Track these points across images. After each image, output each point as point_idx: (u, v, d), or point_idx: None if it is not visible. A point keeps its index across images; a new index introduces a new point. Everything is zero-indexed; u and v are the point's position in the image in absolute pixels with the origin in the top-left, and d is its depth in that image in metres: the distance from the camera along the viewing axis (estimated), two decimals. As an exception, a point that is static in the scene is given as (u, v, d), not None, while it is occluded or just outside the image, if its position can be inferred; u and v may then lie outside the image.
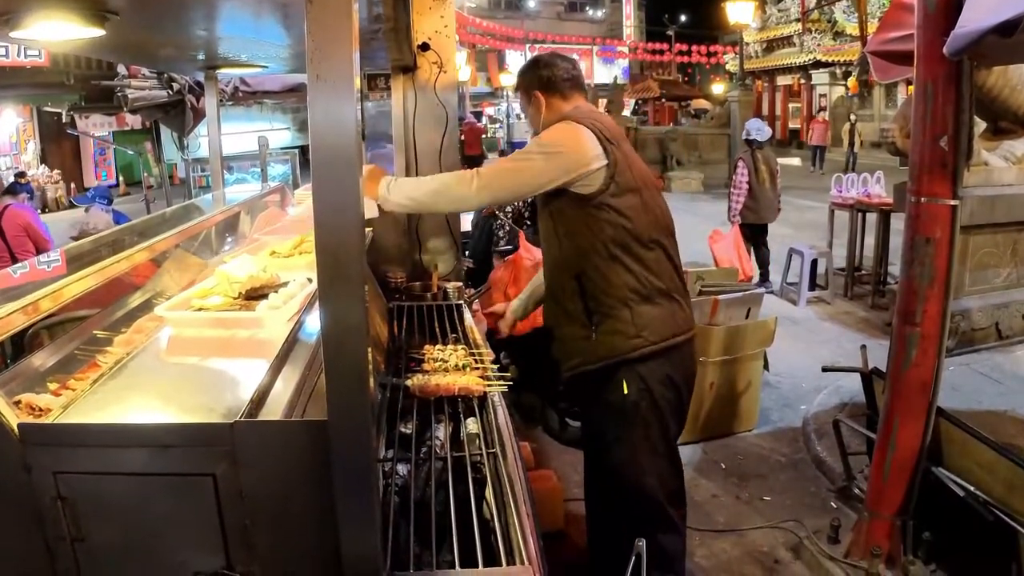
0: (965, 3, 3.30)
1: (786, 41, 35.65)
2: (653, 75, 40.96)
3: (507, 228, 6.48)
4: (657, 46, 40.28)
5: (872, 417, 4.30)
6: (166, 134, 13.22)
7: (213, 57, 3.68)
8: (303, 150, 12.00)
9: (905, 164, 3.97)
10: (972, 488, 3.36)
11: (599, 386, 3.00)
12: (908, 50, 3.81)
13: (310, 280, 2.46)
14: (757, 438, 5.68)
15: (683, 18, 50.68)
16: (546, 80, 3.09)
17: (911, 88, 4.15)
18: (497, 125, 38.04)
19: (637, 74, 45.74)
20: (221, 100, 9.20)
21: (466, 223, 7.06)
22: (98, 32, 2.08)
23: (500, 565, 1.59)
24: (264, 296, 2.25)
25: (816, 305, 9.19)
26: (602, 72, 45.16)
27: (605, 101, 25.75)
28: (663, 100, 39.07)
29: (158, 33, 2.83)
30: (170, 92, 8.55)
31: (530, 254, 5.83)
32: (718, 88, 40.23)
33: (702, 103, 39.23)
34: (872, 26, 14.22)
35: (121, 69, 9.03)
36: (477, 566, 1.56)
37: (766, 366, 5.82)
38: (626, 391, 2.92)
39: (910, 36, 3.78)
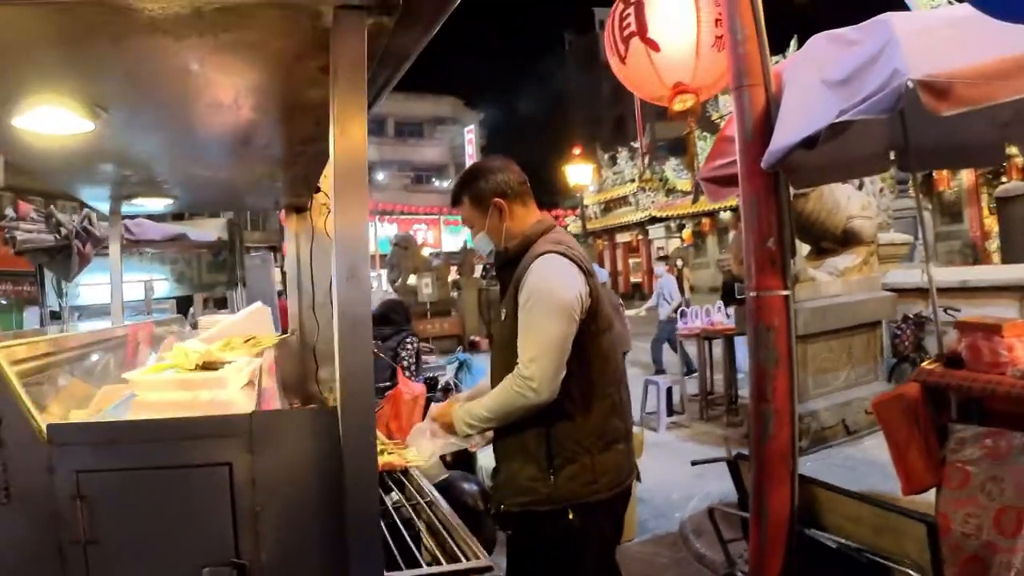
0: (775, 127, 3.94)
1: (623, 201, 37.96)
2: (498, 240, 42.40)
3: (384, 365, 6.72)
4: (502, 212, 42.04)
5: (743, 499, 4.64)
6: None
7: (128, 184, 3.54)
8: (179, 301, 11.95)
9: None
10: (843, 540, 3.71)
11: (542, 522, 2.83)
12: (733, 174, 4.41)
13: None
14: (639, 546, 5.98)
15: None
16: (504, 186, 2.95)
17: (734, 225, 4.79)
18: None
19: (482, 240, 47.18)
20: (106, 247, 9.18)
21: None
22: (88, 126, 2.21)
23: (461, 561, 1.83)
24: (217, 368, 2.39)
25: (675, 429, 9.72)
26: (449, 240, 46.54)
27: (456, 266, 26.65)
28: (510, 265, 40.31)
29: (135, 137, 2.69)
30: (57, 236, 8.43)
31: (408, 388, 6.07)
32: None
33: (546, 265, 40.64)
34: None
35: (9, 211, 8.88)
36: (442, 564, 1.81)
37: (638, 478, 6.16)
38: (571, 517, 2.77)
39: (733, 162, 4.39)
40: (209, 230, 10.71)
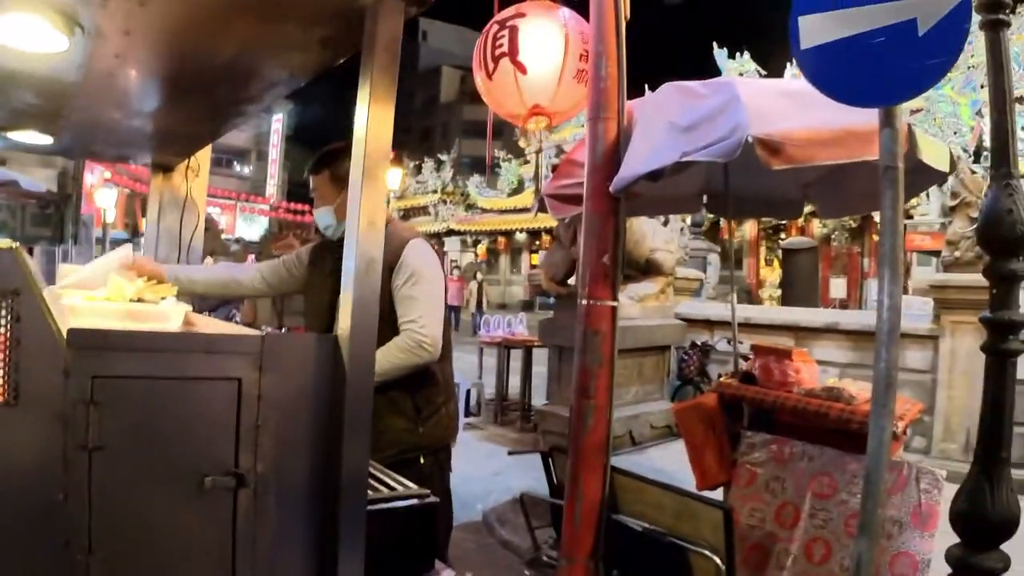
0: (624, 157, 4.42)
1: (423, 210, 38.39)
2: (295, 233, 41.64)
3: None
4: (299, 206, 41.39)
5: (554, 488, 5.07)
6: None
7: (20, 115, 3.33)
8: None
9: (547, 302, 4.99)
10: (647, 525, 4.18)
11: (404, 468, 3.10)
12: (576, 194, 4.85)
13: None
14: (445, 532, 6.29)
15: (325, 181, 52.37)
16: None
17: (548, 243, 5.35)
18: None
19: (277, 232, 46.14)
20: None
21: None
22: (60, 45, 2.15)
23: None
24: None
25: (471, 430, 10.13)
26: (244, 227, 45.17)
27: (254, 256, 25.98)
28: (303, 257, 39.69)
29: (91, 68, 2.55)
30: None
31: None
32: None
33: (339, 260, 40.30)
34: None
35: None
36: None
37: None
38: (422, 462, 3.33)
39: (578, 184, 4.83)
40: (38, 179, 10.03)
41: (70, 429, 1.60)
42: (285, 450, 1.82)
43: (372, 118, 1.83)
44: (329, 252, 3.36)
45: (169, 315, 2.24)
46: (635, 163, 4.33)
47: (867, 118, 3.91)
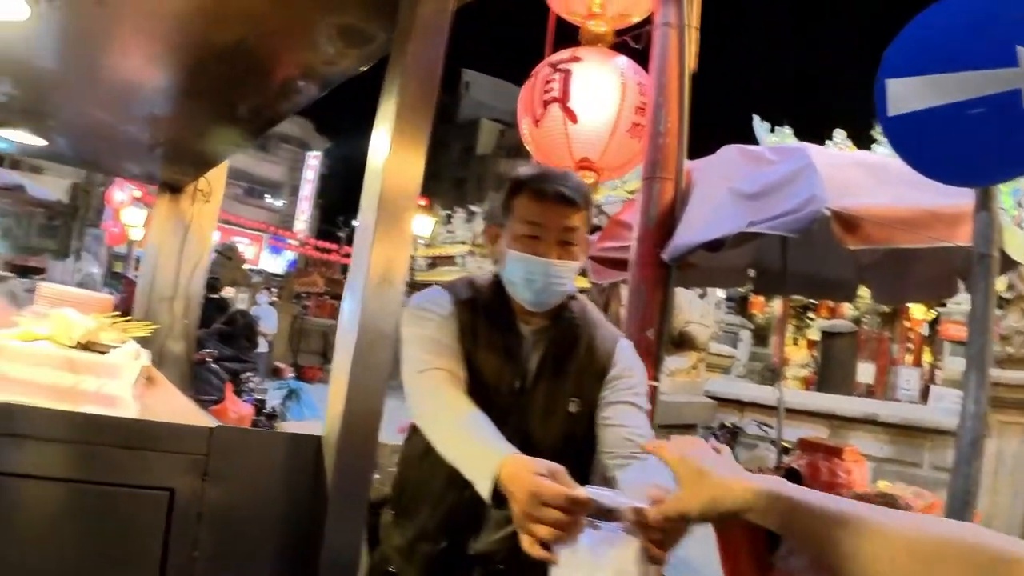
0: (680, 222, 4.00)
1: (450, 260, 38.16)
2: (320, 271, 41.66)
3: (215, 381, 6.35)
4: (327, 245, 41.35)
5: None
6: None
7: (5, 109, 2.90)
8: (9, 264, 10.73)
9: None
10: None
11: None
12: (621, 258, 4.43)
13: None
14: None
15: (355, 223, 52.79)
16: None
17: None
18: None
19: (302, 268, 46.27)
20: None
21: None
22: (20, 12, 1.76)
23: None
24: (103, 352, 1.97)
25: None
26: (268, 260, 45.16)
27: (276, 290, 25.84)
28: (326, 296, 39.67)
29: (61, 46, 2.15)
30: None
31: (236, 408, 5.70)
32: (377, 295, 41.63)
33: (362, 305, 40.28)
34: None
35: None
36: None
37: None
38: None
39: (624, 247, 4.40)
40: (49, 187, 9.69)
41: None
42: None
43: (398, 140, 1.31)
44: (494, 329, 2.03)
45: (119, 368, 1.76)
46: (693, 230, 3.92)
47: (955, 198, 3.52)
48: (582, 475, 1.91)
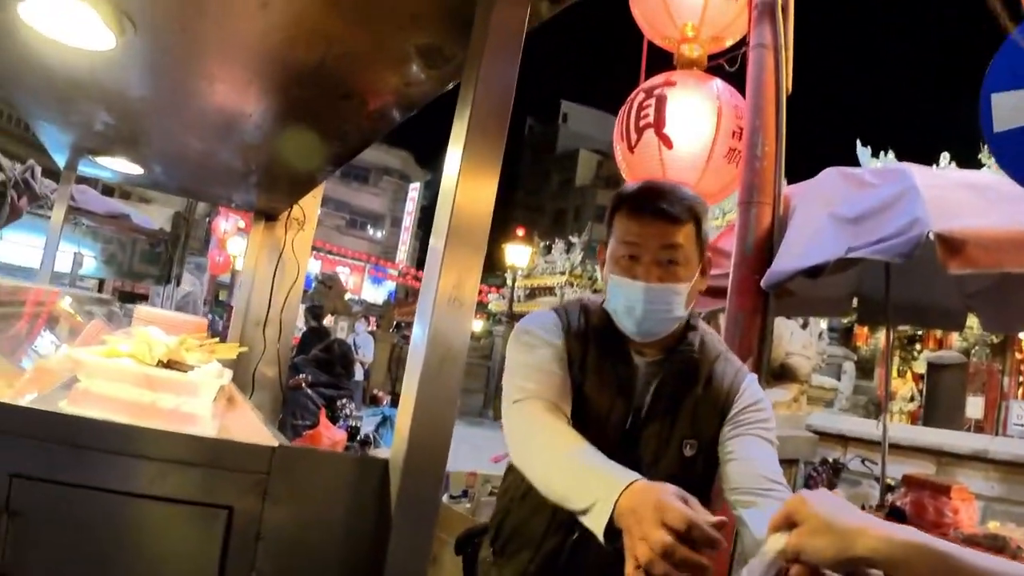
0: (779, 249, 3.86)
1: (549, 291, 38.17)
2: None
3: (310, 406, 6.46)
4: (427, 274, 42.05)
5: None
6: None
7: (103, 137, 3.01)
8: (103, 284, 11.16)
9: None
10: None
11: None
12: (718, 286, 4.31)
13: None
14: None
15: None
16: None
17: None
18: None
19: (402, 298, 46.96)
20: (41, 206, 8.49)
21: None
22: (107, 42, 1.79)
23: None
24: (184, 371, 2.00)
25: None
26: (370, 290, 46.02)
27: (376, 319, 26.30)
28: (426, 326, 40.11)
29: (151, 75, 2.18)
30: None
31: (330, 434, 5.72)
32: (477, 324, 41.88)
33: (458, 334, 40.53)
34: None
35: None
36: None
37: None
38: None
39: (723, 275, 4.29)
40: (153, 216, 10.09)
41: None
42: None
43: (470, 160, 1.26)
44: (606, 359, 1.87)
45: (198, 387, 1.76)
46: (792, 257, 3.79)
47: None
48: None
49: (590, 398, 1.80)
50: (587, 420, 1.75)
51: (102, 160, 3.35)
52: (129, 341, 1.91)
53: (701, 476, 1.81)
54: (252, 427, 1.81)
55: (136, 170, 3.43)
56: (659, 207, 1.72)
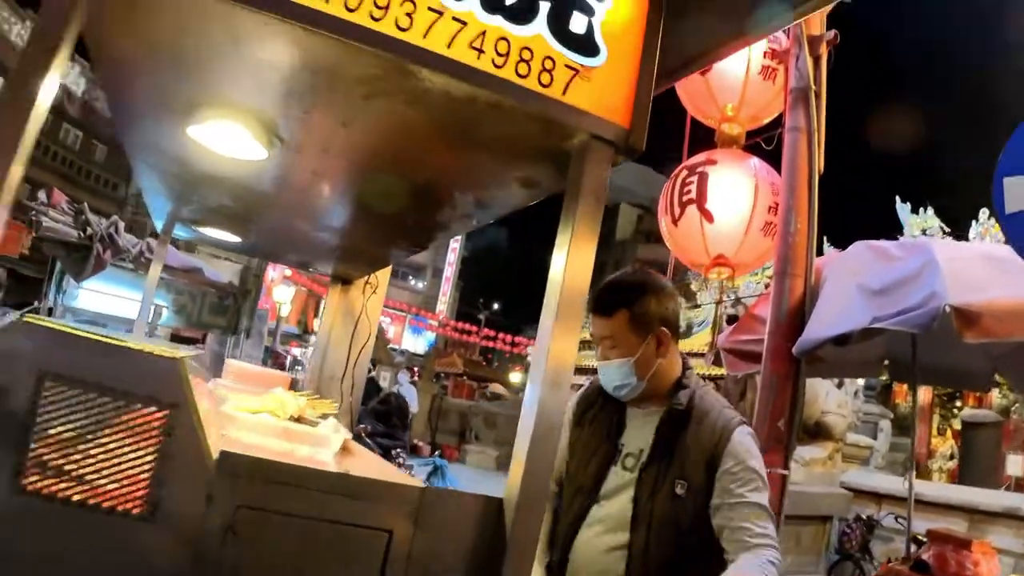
0: (810, 318, 4.21)
1: (587, 344, 37.74)
2: (459, 352, 42.37)
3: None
4: (466, 326, 42.24)
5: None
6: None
7: (215, 214, 3.37)
8: (173, 335, 11.62)
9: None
10: None
11: None
12: (754, 351, 4.65)
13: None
14: None
15: (495, 305, 53.58)
16: (673, 316, 2.40)
17: None
18: (299, 367, 37.70)
19: (441, 348, 47.13)
20: (123, 259, 8.95)
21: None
22: (258, 155, 2.16)
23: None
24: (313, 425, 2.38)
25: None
26: (410, 340, 46.35)
27: (417, 368, 26.59)
28: (464, 377, 40.14)
29: (285, 180, 2.55)
30: (81, 235, 8.00)
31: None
32: (515, 376, 41.81)
33: (499, 388, 40.38)
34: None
35: (41, 195, 8.56)
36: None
37: None
38: None
39: (758, 340, 4.62)
40: (222, 270, 10.60)
41: (202, 556, 1.51)
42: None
43: (571, 265, 1.68)
44: (604, 412, 2.47)
45: (328, 439, 2.18)
46: (821, 325, 4.13)
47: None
48: (680, 568, 2.19)
49: (587, 444, 2.45)
50: (581, 459, 2.43)
51: (203, 229, 3.72)
52: (264, 400, 2.34)
53: (691, 514, 2.19)
54: (383, 470, 2.22)
55: (234, 239, 3.84)
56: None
